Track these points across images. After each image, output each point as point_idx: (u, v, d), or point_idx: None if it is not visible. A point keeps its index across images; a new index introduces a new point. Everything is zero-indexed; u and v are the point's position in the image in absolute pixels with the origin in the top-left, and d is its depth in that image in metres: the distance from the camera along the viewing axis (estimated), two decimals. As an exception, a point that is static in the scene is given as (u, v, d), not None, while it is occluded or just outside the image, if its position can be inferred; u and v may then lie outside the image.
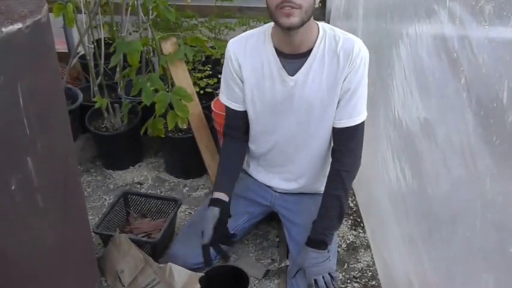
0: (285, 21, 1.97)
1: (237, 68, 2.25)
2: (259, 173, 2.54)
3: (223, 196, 2.33)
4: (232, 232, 2.38)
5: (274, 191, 2.53)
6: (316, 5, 2.04)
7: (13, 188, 1.52)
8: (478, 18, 1.34)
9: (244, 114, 2.36)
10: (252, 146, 2.47)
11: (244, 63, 2.23)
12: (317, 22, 2.17)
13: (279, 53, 2.16)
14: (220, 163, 2.45)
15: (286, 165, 2.43)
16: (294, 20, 1.96)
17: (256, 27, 2.40)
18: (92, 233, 2.30)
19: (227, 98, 2.36)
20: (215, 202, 2.32)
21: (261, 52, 2.20)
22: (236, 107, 2.35)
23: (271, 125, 2.32)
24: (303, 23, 2.00)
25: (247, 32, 2.32)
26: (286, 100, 2.22)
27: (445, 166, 1.61)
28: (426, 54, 1.77)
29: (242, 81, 2.28)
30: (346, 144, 2.23)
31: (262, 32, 2.22)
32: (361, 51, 2.10)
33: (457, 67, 1.47)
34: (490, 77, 1.27)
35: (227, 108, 2.39)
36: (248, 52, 2.22)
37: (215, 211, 2.29)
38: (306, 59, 2.15)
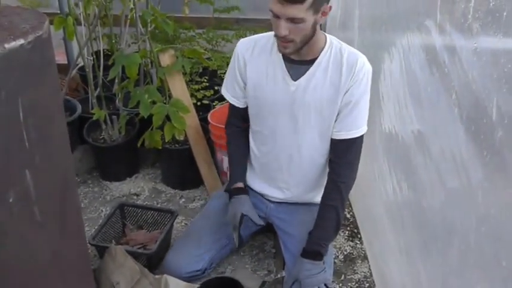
0: (281, 50, 2.12)
1: (242, 67, 2.31)
2: (255, 181, 2.56)
3: (242, 186, 2.45)
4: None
5: (270, 201, 2.55)
6: (321, 21, 2.10)
7: (11, 200, 1.53)
8: (467, 35, 1.37)
9: (242, 109, 2.45)
10: (252, 143, 2.51)
11: (250, 63, 2.29)
12: (325, 33, 2.22)
13: (285, 58, 2.22)
14: (231, 155, 2.56)
15: (281, 173, 2.45)
16: (289, 50, 2.10)
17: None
18: (88, 245, 2.32)
19: (227, 90, 2.45)
20: (239, 191, 2.44)
21: (267, 54, 2.26)
22: (235, 102, 2.43)
23: (270, 127, 2.36)
24: (299, 50, 2.11)
25: (258, 34, 2.39)
26: (286, 103, 2.26)
27: (439, 179, 1.63)
28: (419, 68, 1.80)
29: (244, 82, 2.34)
30: (343, 156, 2.26)
31: (272, 36, 2.24)
32: (365, 65, 2.15)
33: (448, 82, 1.50)
34: (479, 93, 1.30)
35: (228, 101, 2.48)
36: (256, 53, 2.29)
37: (244, 198, 2.42)
38: (311, 66, 2.19)
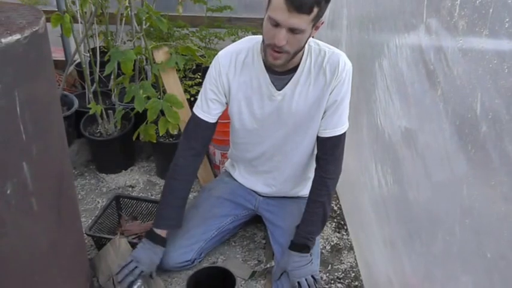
0: (271, 60, 2.00)
1: (224, 82, 2.21)
2: (245, 178, 2.56)
3: (165, 234, 2.32)
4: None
5: (259, 194, 2.55)
6: (313, 35, 2.02)
7: (8, 192, 1.52)
8: (453, 33, 1.36)
9: (212, 126, 2.30)
10: (236, 153, 2.50)
11: (233, 79, 2.20)
12: None
13: (268, 69, 2.15)
14: (171, 192, 2.36)
15: (272, 172, 2.45)
16: (279, 62, 1.99)
17: (244, 37, 2.39)
18: (85, 235, 2.30)
19: (201, 109, 2.28)
20: (160, 240, 2.31)
21: (250, 68, 2.18)
22: (207, 118, 2.27)
23: (259, 137, 2.33)
24: (289, 60, 2.02)
25: (234, 46, 2.25)
26: (274, 113, 2.23)
27: (424, 173, 1.62)
28: (406, 65, 1.79)
29: (226, 96, 2.26)
30: (331, 152, 2.24)
31: (251, 48, 2.18)
32: (346, 65, 2.12)
33: (434, 79, 1.49)
34: (464, 89, 1.29)
35: (198, 120, 2.28)
36: (238, 68, 2.19)
37: (159, 252, 2.30)
38: (293, 74, 2.15)
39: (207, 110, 2.26)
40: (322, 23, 1.97)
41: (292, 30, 1.87)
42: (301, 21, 1.84)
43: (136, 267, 2.21)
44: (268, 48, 1.96)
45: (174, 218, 2.36)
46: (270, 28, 1.90)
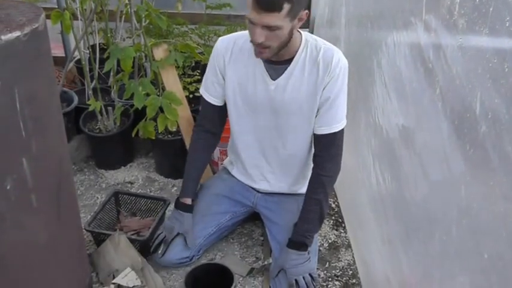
0: (257, 55, 2.07)
1: (221, 65, 2.26)
2: (242, 174, 2.56)
3: (190, 202, 2.46)
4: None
5: (257, 191, 2.54)
6: (298, 27, 2.05)
7: (8, 188, 1.52)
8: (452, 31, 1.35)
9: (219, 108, 2.38)
10: (232, 143, 2.50)
11: (230, 62, 2.24)
12: (300, 31, 2.17)
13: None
14: (189, 164, 2.52)
15: (267, 168, 2.44)
16: (265, 55, 2.05)
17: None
18: (84, 231, 2.30)
19: (205, 90, 2.37)
20: (185, 207, 2.44)
21: (247, 54, 2.20)
22: (212, 100, 2.37)
23: (251, 125, 2.34)
24: (276, 53, 2.06)
25: (235, 33, 2.32)
26: (266, 102, 2.23)
27: (422, 172, 1.61)
28: (404, 63, 1.78)
29: (224, 79, 2.29)
30: (326, 150, 2.24)
31: None
32: (340, 61, 2.11)
33: (433, 77, 1.48)
34: (463, 88, 1.28)
35: (203, 100, 2.40)
36: (235, 52, 2.23)
37: (187, 216, 2.43)
38: (288, 66, 2.16)
39: (209, 91, 2.36)
40: (307, 14, 2.01)
41: (268, 28, 1.92)
42: (273, 18, 1.89)
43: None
44: (252, 44, 2.03)
45: (189, 190, 2.49)
46: (249, 26, 1.98)
